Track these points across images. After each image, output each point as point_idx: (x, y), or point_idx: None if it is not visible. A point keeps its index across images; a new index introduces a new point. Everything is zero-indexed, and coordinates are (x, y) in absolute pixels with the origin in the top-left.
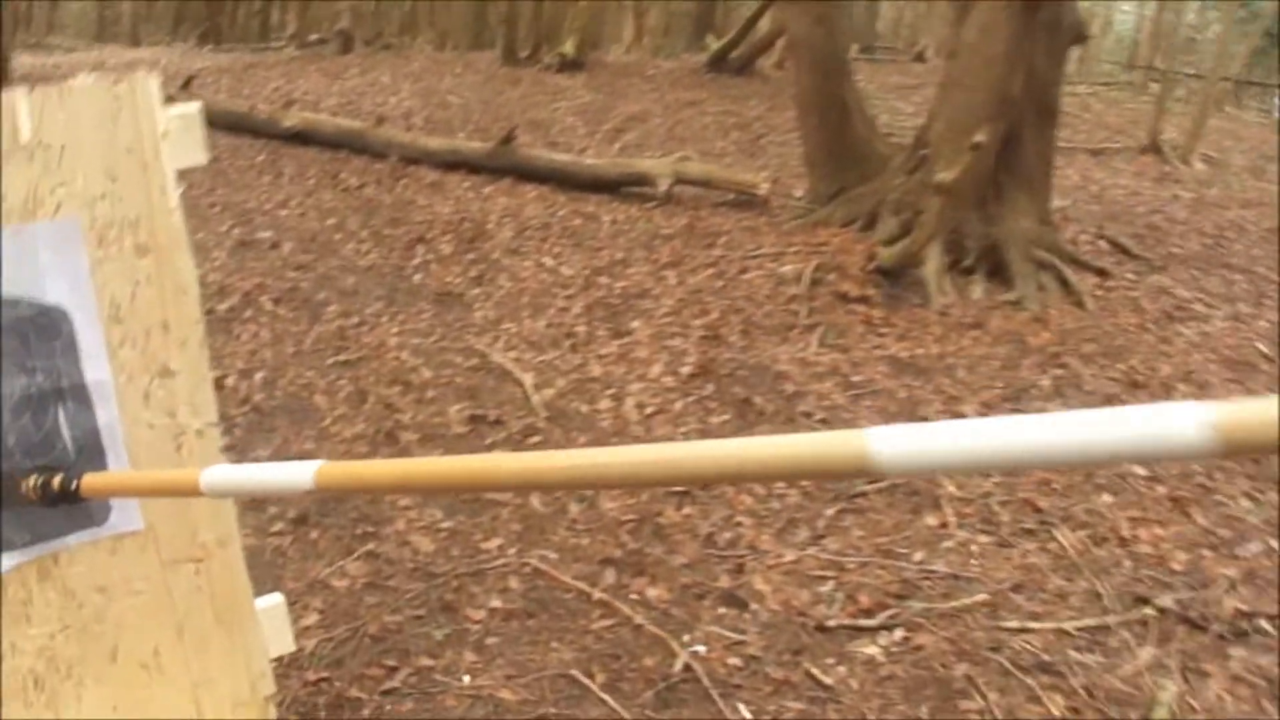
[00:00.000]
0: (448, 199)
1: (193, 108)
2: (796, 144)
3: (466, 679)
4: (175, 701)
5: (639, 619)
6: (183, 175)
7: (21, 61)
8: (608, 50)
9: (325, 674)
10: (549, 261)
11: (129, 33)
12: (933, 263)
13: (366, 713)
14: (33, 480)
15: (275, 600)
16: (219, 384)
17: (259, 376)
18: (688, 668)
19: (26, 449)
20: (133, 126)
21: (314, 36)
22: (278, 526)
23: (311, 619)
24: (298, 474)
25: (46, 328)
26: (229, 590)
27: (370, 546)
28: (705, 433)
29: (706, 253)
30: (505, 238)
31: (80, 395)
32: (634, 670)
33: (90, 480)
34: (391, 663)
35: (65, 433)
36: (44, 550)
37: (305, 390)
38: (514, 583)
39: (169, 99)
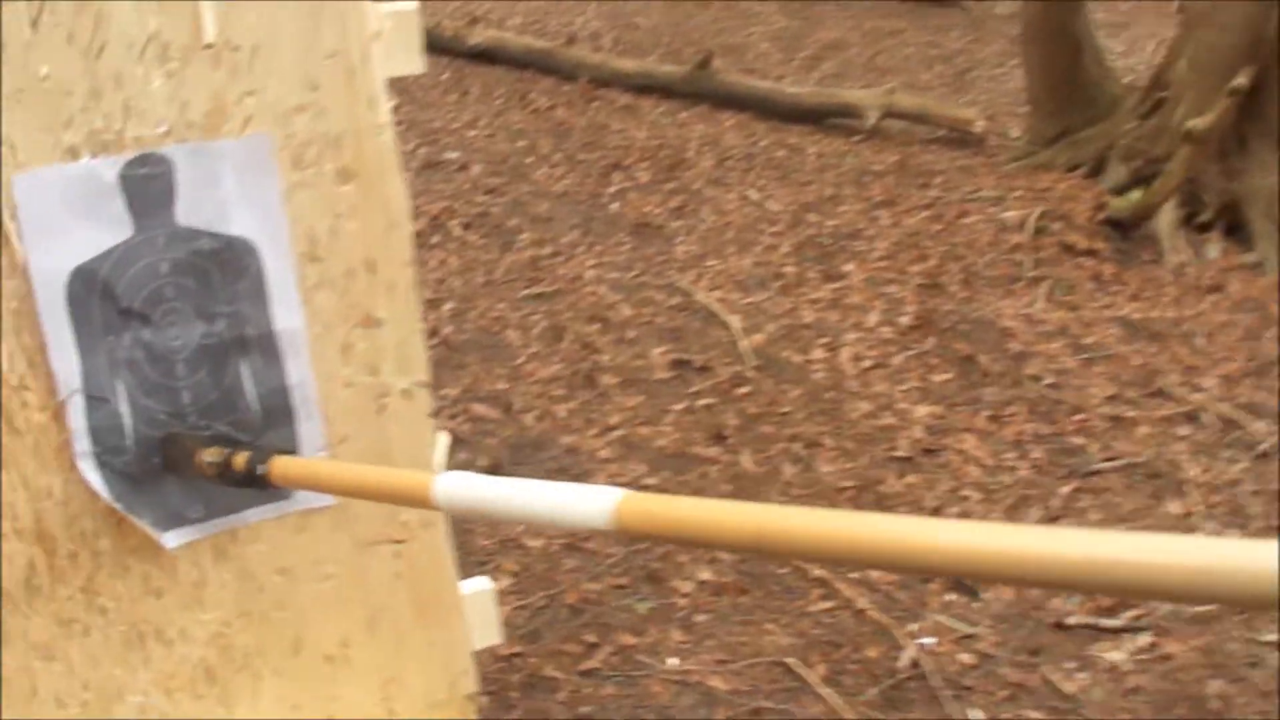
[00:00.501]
0: (642, 124)
1: (409, 6)
2: (1005, 80)
3: (673, 662)
4: (363, 700)
5: (861, 603)
6: (393, 85)
7: None
8: None
9: (519, 648)
10: (754, 195)
11: None
12: (1168, 217)
13: (562, 696)
14: (211, 455)
15: (483, 586)
16: None
17: (447, 307)
18: (915, 663)
19: (203, 408)
20: (338, 26)
21: None
22: None
23: (504, 582)
24: (585, 504)
25: (230, 265)
26: (431, 576)
27: None
28: (926, 392)
29: (921, 193)
30: (706, 167)
31: (268, 346)
32: (856, 662)
33: (284, 467)
34: (591, 638)
35: (249, 390)
36: (220, 526)
37: (497, 324)
38: (724, 553)
39: None
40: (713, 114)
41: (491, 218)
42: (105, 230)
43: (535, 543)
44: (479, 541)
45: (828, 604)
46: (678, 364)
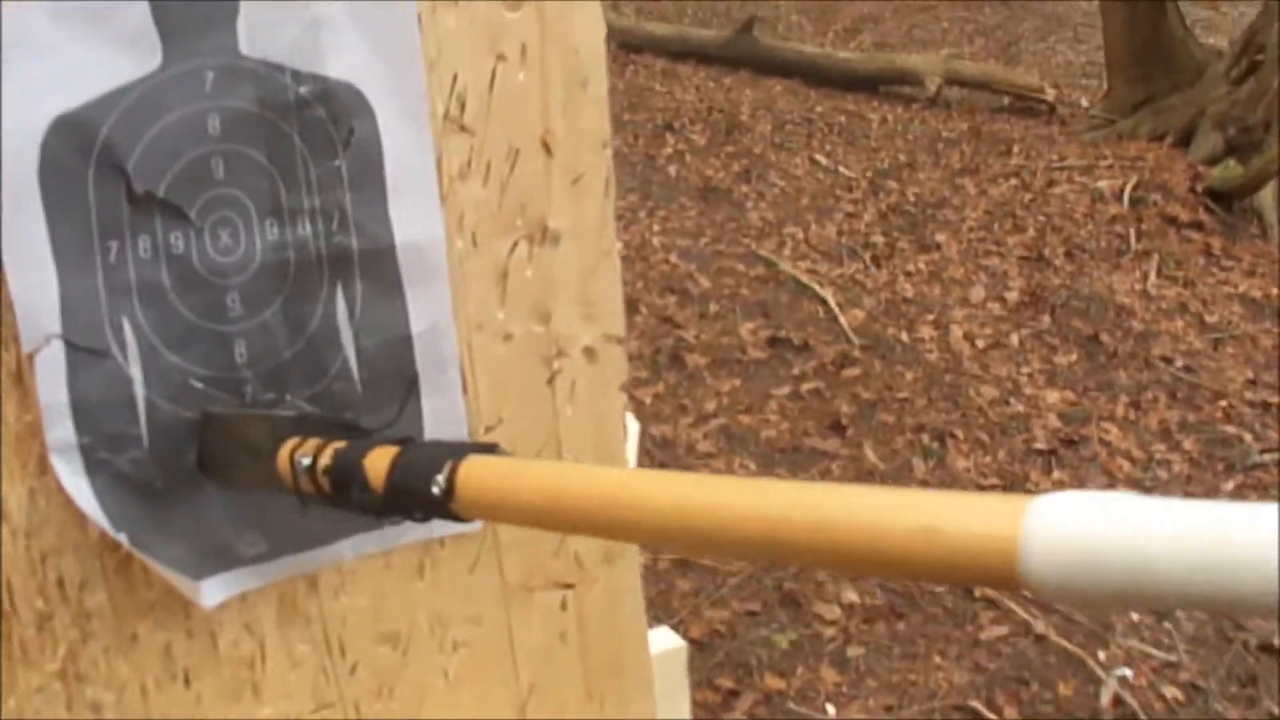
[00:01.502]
0: (687, 87)
1: None
2: (1051, 55)
3: (831, 710)
4: None
5: (1039, 626)
6: None
7: None
8: None
9: None
10: (823, 160)
11: None
12: (1272, 189)
13: None
14: (308, 452)
15: (673, 645)
16: None
17: None
18: (1118, 700)
19: (269, 371)
20: None
21: None
22: None
23: None
24: None
25: (323, 130)
26: (613, 635)
27: None
28: (1053, 375)
29: (1002, 161)
30: (764, 131)
31: (382, 269)
32: (1049, 701)
33: (486, 470)
34: (729, 683)
35: (346, 341)
36: (292, 568)
37: None
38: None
39: None
40: (757, 79)
41: None
42: (113, 55)
43: (641, 558)
44: None
45: (1001, 629)
46: (773, 341)
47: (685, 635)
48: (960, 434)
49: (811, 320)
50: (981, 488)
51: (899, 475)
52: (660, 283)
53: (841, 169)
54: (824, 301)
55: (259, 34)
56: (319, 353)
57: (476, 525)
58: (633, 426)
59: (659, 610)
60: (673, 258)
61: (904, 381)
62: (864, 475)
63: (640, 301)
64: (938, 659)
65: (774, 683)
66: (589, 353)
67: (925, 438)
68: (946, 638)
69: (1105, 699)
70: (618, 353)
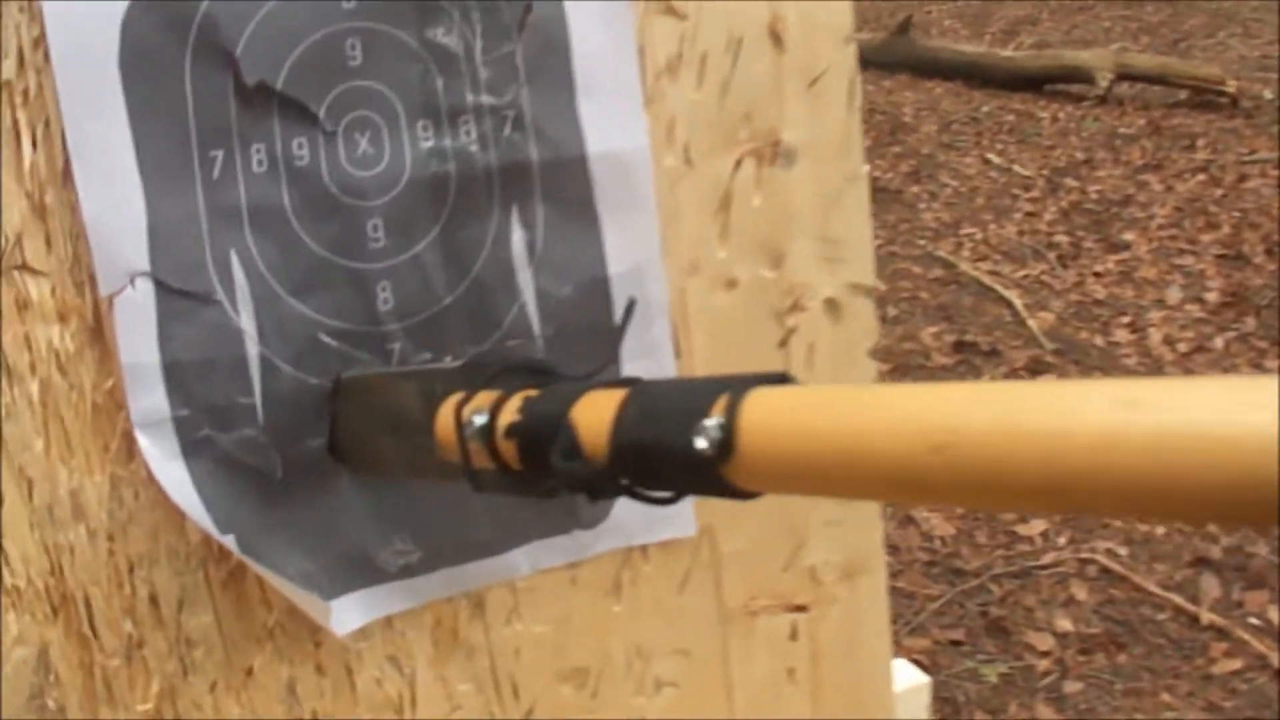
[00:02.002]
0: None
1: None
2: (1222, 50)
3: None
4: None
5: (1276, 660)
6: None
7: None
8: None
9: None
10: (996, 159)
11: None
12: None
13: None
14: (482, 406)
15: (915, 679)
16: None
17: None
18: None
19: (423, 322)
20: None
21: None
22: None
23: None
24: None
25: (487, 2)
26: (851, 671)
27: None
28: None
29: (1187, 156)
30: (930, 132)
31: (566, 185)
32: None
33: (788, 407)
34: None
35: (523, 282)
36: (449, 586)
37: None
38: (1080, 590)
39: None
40: (917, 81)
41: None
42: None
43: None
44: None
45: (1235, 663)
46: (959, 346)
47: None
48: None
49: (998, 324)
50: None
51: None
52: None
53: (1016, 167)
54: (1009, 304)
55: None
56: (488, 298)
57: (691, 529)
58: None
59: None
60: None
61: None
62: None
63: None
64: (1166, 696)
65: None
66: (831, 306)
67: None
68: (1174, 672)
69: None
70: (867, 308)
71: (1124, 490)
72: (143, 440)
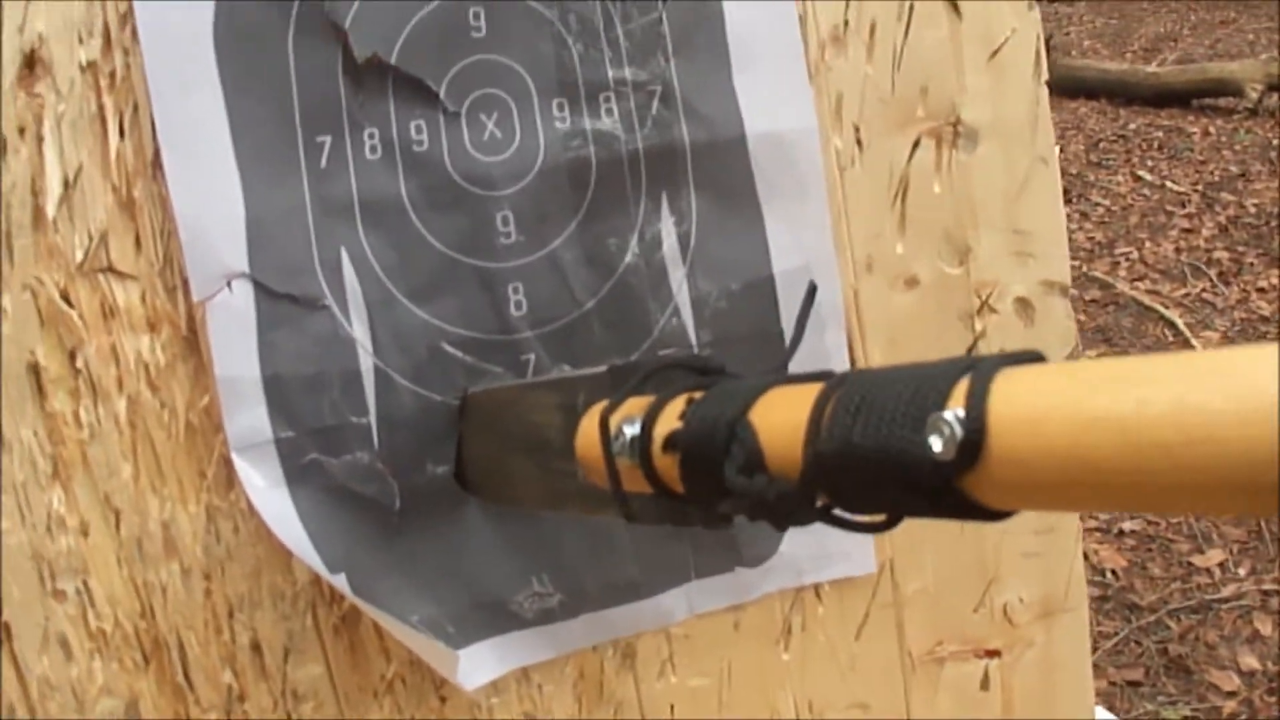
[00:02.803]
0: None
1: None
2: None
3: None
4: None
5: None
6: None
7: None
8: None
9: None
10: (1147, 176)
11: None
12: None
13: None
14: (633, 413)
15: None
16: None
17: None
18: None
19: (560, 328)
20: None
21: None
22: None
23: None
24: None
25: None
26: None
27: None
28: None
29: None
30: (1078, 151)
31: (723, 171)
32: None
33: (1048, 393)
34: None
35: (675, 282)
36: (593, 634)
37: None
38: (1265, 625)
39: None
40: (1061, 101)
41: None
42: None
43: (1087, 610)
44: None
45: None
46: None
47: None
48: None
49: (1160, 345)
50: None
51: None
52: None
53: (1169, 184)
54: (1171, 324)
55: None
56: (636, 303)
57: (870, 566)
58: None
59: None
60: None
61: None
62: (1244, 518)
63: None
64: None
65: None
66: (1023, 307)
67: None
68: None
69: None
70: (1062, 309)
71: None
72: (242, 466)
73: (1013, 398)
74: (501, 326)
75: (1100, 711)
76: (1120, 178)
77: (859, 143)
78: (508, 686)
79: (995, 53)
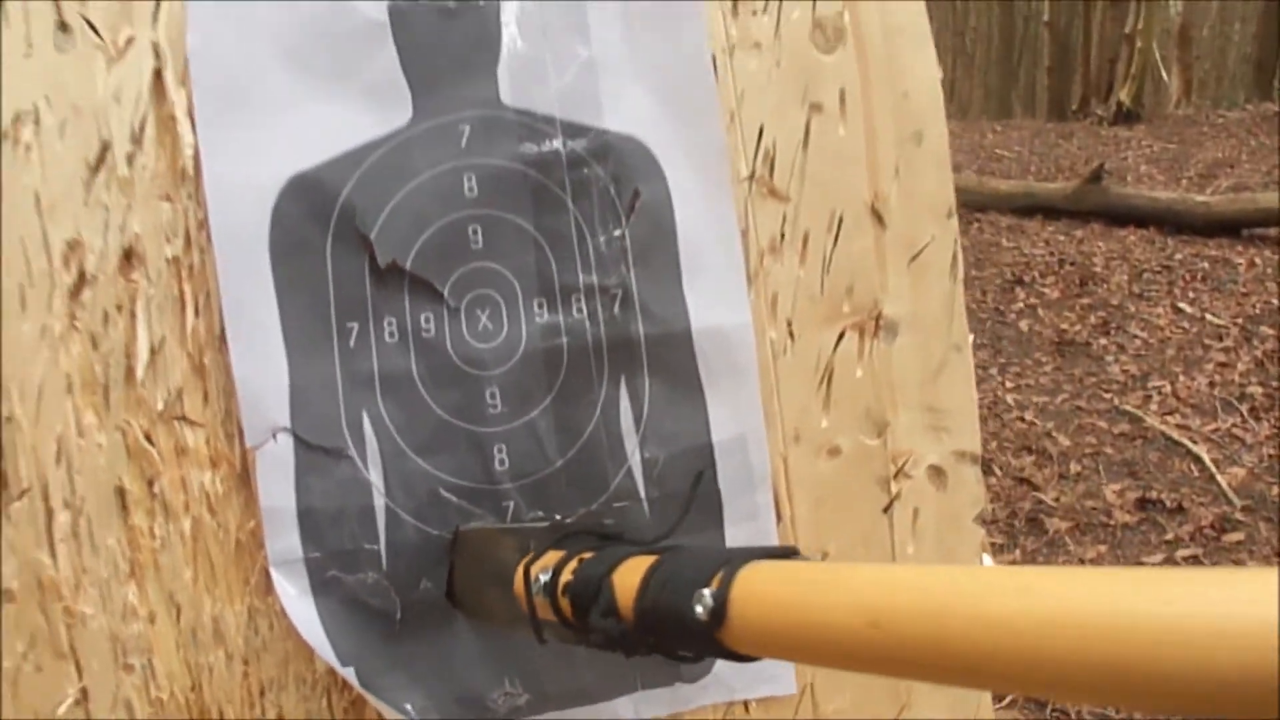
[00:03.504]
0: (1035, 242)
1: None
2: None
3: None
4: None
5: None
6: None
7: None
8: (1157, 104)
9: None
10: (1188, 309)
11: None
12: None
13: None
14: (548, 565)
15: None
16: None
17: None
18: None
19: (536, 483)
20: None
21: None
22: None
23: None
24: None
25: (600, 192)
26: None
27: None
28: None
29: None
30: (1120, 282)
31: (675, 363)
32: None
33: (776, 581)
34: None
35: (630, 449)
36: None
37: None
38: None
39: None
40: (1109, 230)
41: None
42: (357, 110)
43: None
44: None
45: None
46: (1142, 503)
47: None
48: None
49: (1185, 480)
50: None
51: None
52: (1016, 442)
53: (1209, 317)
54: (1198, 459)
55: (523, 81)
56: (597, 463)
57: (791, 687)
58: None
59: None
60: (1028, 415)
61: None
62: None
63: (994, 462)
64: None
65: None
66: (936, 474)
67: None
68: None
69: None
70: (972, 475)
71: (1020, 671)
72: (277, 577)
73: (747, 585)
74: (488, 478)
75: None
76: (1161, 309)
77: (791, 335)
78: None
79: (915, 256)
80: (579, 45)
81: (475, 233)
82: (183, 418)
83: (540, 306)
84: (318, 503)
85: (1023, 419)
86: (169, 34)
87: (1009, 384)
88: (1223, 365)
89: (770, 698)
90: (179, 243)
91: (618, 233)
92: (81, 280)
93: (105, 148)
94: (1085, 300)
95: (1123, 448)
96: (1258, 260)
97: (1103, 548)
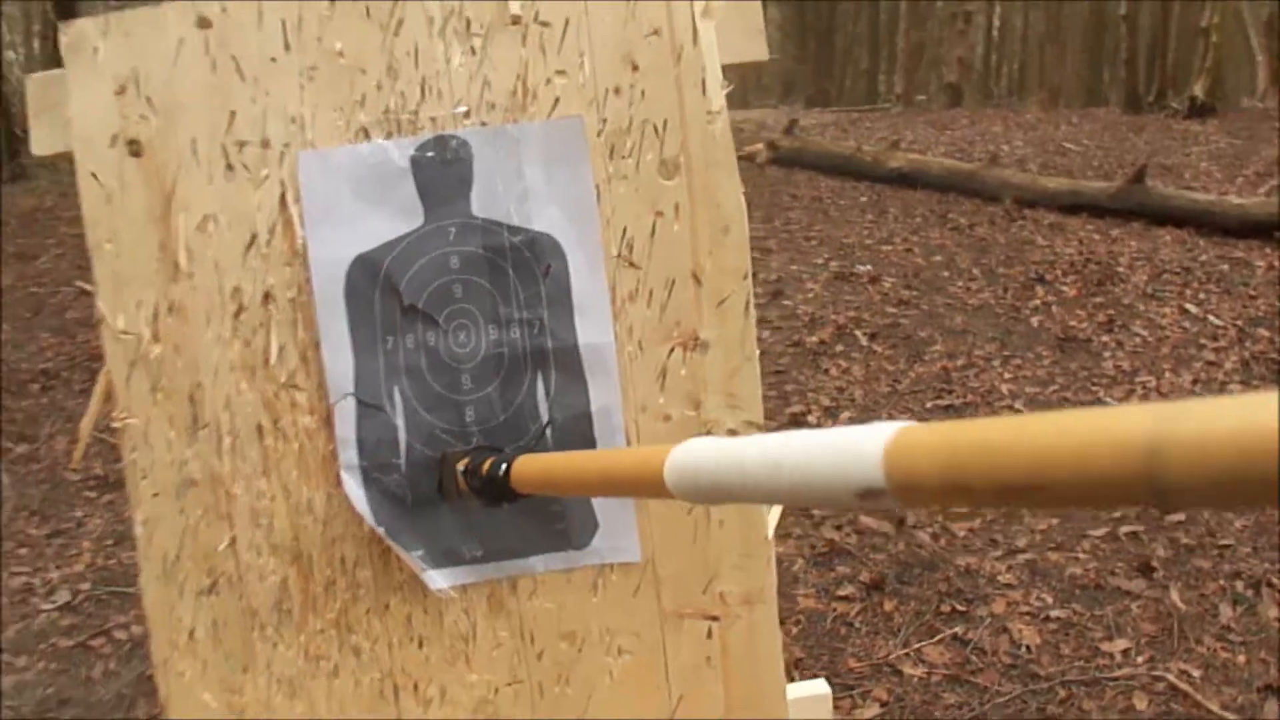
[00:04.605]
0: (1069, 240)
1: None
2: None
3: None
4: None
5: None
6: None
7: None
8: (1238, 98)
9: None
10: (1193, 309)
11: (739, 97)
12: None
13: None
14: (464, 462)
15: (816, 690)
16: (799, 418)
17: (845, 415)
18: None
19: (488, 430)
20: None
21: (920, 97)
22: (846, 590)
23: (870, 711)
24: (848, 451)
25: (530, 265)
26: (750, 668)
27: (957, 629)
28: None
29: None
30: (1138, 282)
31: (570, 363)
32: None
33: (522, 466)
34: None
35: (543, 412)
36: (499, 572)
37: None
38: (1141, 702)
39: (775, 139)
40: (1148, 230)
41: (901, 329)
42: (392, 217)
43: (914, 670)
44: (849, 663)
45: None
46: None
47: None
48: (1279, 583)
49: None
50: None
51: (1200, 619)
52: None
53: (1211, 317)
54: None
55: (485, 202)
56: (523, 420)
57: (637, 557)
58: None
59: (916, 715)
60: (1018, 404)
61: (1232, 529)
62: (1163, 616)
63: None
64: None
65: None
66: (732, 434)
67: (1239, 585)
68: None
69: None
70: (757, 430)
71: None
72: (344, 477)
73: (522, 463)
74: (462, 427)
75: (820, 682)
76: (1168, 309)
77: (640, 348)
78: (454, 594)
79: (721, 303)
80: (517, 181)
81: (457, 287)
82: (294, 386)
83: (492, 329)
84: (367, 436)
85: (1012, 407)
86: (289, 172)
87: (1008, 375)
88: (1210, 364)
89: (628, 564)
90: (294, 290)
91: (535, 290)
92: (240, 309)
93: (253, 236)
94: (1099, 299)
95: None
96: (1277, 263)
97: (1055, 521)
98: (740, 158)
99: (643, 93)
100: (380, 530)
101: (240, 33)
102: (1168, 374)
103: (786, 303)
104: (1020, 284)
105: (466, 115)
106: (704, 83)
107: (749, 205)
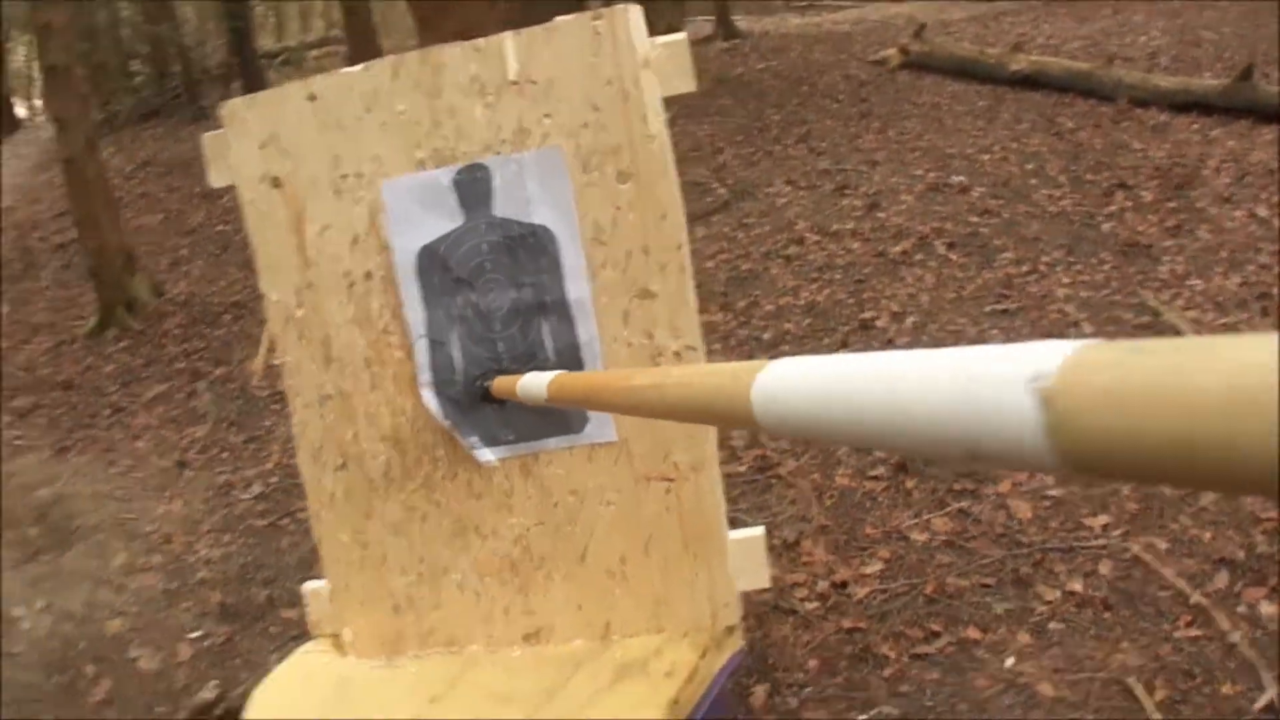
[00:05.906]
0: (1165, 142)
1: (679, 37)
2: None
3: (1009, 661)
4: (636, 613)
5: (1234, 637)
6: (674, 102)
7: (788, 20)
8: None
9: (862, 624)
10: (1263, 212)
11: None
12: None
13: (887, 673)
14: (487, 379)
15: (754, 533)
16: (868, 324)
17: (910, 320)
18: (1270, 707)
19: (514, 356)
20: (613, 58)
21: None
22: (877, 471)
23: (873, 568)
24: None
25: (533, 247)
26: (698, 515)
27: (964, 504)
28: None
29: None
30: (1220, 185)
31: (562, 311)
32: (1204, 695)
33: (507, 380)
34: (936, 627)
35: (548, 344)
36: (526, 450)
37: (951, 338)
38: (1105, 568)
39: (907, 44)
40: (1251, 130)
41: (979, 237)
42: (443, 220)
43: (919, 537)
44: (866, 530)
45: (1196, 632)
46: None
47: (921, 591)
48: None
49: None
50: (1258, 520)
51: (1181, 501)
52: (1045, 329)
53: (1276, 220)
54: None
55: (502, 206)
56: (535, 350)
57: (615, 437)
58: None
59: (913, 573)
60: (1069, 308)
61: None
62: (1148, 498)
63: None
64: (1124, 645)
65: (973, 634)
66: (676, 355)
67: None
68: (1142, 631)
69: (1259, 703)
70: (695, 355)
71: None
72: (423, 391)
73: (500, 380)
74: (496, 356)
75: (759, 530)
76: (1239, 213)
77: (610, 298)
78: (498, 464)
79: (663, 267)
80: (520, 190)
81: (488, 263)
82: (388, 332)
83: (513, 291)
84: (436, 363)
85: (1062, 310)
86: (375, 194)
87: (1066, 280)
88: (1262, 267)
89: (609, 442)
90: (384, 270)
91: (540, 262)
92: (351, 284)
93: (355, 237)
94: (1173, 203)
95: (1134, 336)
96: None
97: None
98: (872, 62)
99: (604, 126)
100: (447, 424)
101: (337, 102)
102: (1218, 277)
103: (880, 214)
104: (1102, 191)
105: (486, 149)
106: (645, 116)
107: (871, 115)
